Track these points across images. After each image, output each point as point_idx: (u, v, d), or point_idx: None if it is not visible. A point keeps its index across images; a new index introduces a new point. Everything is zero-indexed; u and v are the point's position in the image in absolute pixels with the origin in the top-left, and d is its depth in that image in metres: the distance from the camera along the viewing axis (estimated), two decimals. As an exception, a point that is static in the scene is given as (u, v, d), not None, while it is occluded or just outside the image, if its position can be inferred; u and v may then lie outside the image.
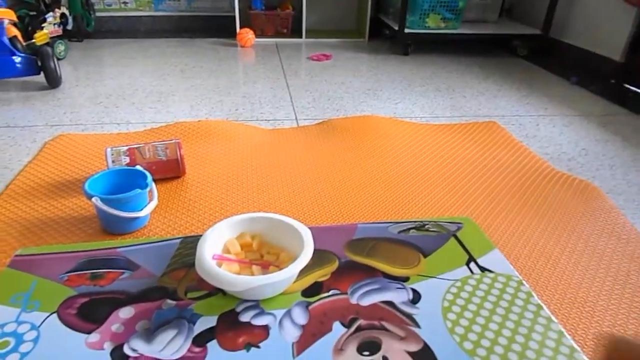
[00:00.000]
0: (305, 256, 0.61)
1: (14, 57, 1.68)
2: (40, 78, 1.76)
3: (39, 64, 1.71)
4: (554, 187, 1.14)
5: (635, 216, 1.05)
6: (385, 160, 1.25)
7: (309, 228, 0.67)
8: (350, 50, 2.48)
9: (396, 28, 2.32)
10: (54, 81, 1.75)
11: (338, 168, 1.20)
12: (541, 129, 1.53)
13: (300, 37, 2.62)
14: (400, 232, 0.75)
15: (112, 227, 0.91)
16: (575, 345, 0.56)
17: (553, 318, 0.60)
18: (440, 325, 0.57)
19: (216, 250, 0.65)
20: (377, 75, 2.06)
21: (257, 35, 2.54)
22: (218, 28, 2.70)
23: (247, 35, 2.42)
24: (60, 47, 2.11)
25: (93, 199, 0.88)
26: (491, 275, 0.66)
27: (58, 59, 2.05)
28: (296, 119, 1.55)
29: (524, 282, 0.66)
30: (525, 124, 1.56)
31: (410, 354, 0.53)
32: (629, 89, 1.92)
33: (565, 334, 0.57)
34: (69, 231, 0.92)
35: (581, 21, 2.18)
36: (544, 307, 0.61)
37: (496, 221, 0.98)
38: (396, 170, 1.20)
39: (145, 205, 0.93)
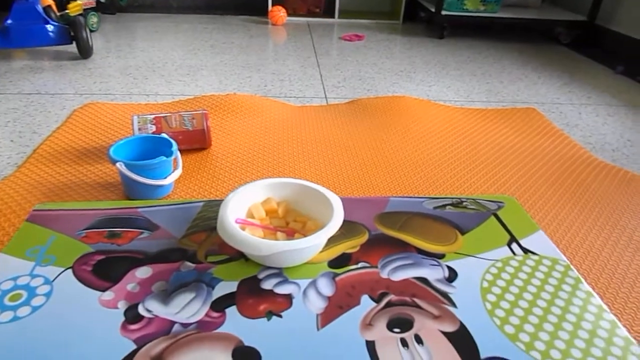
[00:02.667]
0: (335, 224, 0.56)
1: (47, 26, 1.69)
2: (72, 48, 1.77)
3: (72, 34, 1.71)
4: (597, 177, 1.07)
5: (686, 210, 0.97)
6: (417, 141, 1.20)
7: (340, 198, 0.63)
8: (384, 32, 2.41)
9: (432, 10, 2.24)
10: (85, 51, 1.74)
11: (367, 146, 1.16)
12: (583, 117, 1.45)
13: (333, 17, 2.56)
14: (435, 207, 0.70)
15: (135, 194, 0.89)
16: (630, 337, 0.50)
17: (605, 307, 0.54)
18: (478, 307, 0.52)
19: (240, 215, 0.61)
20: (411, 57, 1.99)
21: (289, 14, 2.49)
22: (250, 5, 2.66)
23: (279, 13, 2.38)
24: (93, 19, 2.11)
25: (117, 164, 0.86)
26: (535, 257, 0.61)
27: (90, 31, 2.05)
28: (325, 97, 1.50)
29: (572, 267, 0.60)
30: (567, 112, 1.48)
31: (445, 334, 0.49)
32: (679, 80, 1.80)
33: (620, 324, 0.52)
34: (92, 196, 0.90)
35: (631, 8, 2.06)
36: (595, 295, 0.56)
37: (534, 208, 0.93)
38: (428, 151, 1.15)
39: (170, 174, 0.91)
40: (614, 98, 1.62)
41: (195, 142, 1.10)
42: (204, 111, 1.11)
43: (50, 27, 1.69)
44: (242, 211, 0.62)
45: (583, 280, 0.58)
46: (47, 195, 0.89)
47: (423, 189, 0.96)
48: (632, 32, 2.06)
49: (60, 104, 1.37)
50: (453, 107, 1.45)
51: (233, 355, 0.46)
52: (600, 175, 1.08)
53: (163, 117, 1.09)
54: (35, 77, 1.55)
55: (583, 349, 0.48)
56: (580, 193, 1.00)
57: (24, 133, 1.17)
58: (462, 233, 0.65)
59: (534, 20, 2.26)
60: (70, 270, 0.55)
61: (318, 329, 0.49)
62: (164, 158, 0.89)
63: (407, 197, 0.72)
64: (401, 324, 0.50)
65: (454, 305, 0.53)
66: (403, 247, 0.62)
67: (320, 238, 0.54)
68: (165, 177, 0.90)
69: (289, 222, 0.63)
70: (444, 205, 0.70)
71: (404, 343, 0.48)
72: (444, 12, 2.22)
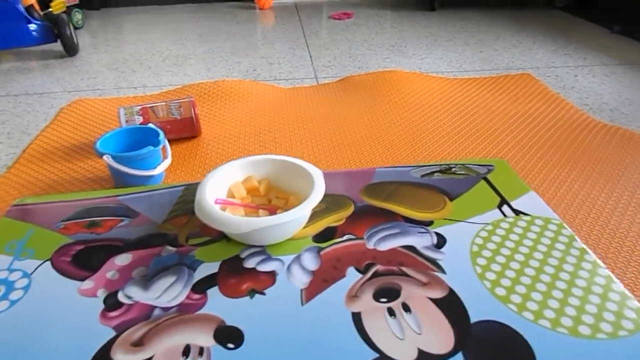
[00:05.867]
0: (316, 196, 0.55)
1: (29, 26, 1.67)
2: (59, 46, 1.75)
3: (56, 32, 1.69)
4: (595, 138, 1.05)
5: (688, 164, 0.94)
6: (410, 114, 1.17)
7: (323, 172, 0.61)
8: (374, 8, 2.36)
9: (422, -18, 2.19)
10: (71, 49, 1.73)
11: (359, 122, 1.14)
12: (580, 79, 1.42)
13: (321, -3, 2.51)
14: (423, 175, 0.68)
15: (125, 186, 0.88)
16: (627, 292, 0.48)
17: (600, 263, 0.52)
18: (468, 271, 0.51)
19: (220, 195, 0.60)
20: (402, 31, 1.95)
21: (276, -3, 2.45)
22: (236, -9, 2.61)
23: (265, -4, 2.34)
24: (77, 16, 2.09)
25: (104, 157, 0.85)
26: (527, 218, 0.59)
27: (76, 28, 2.03)
28: (316, 77, 1.48)
29: (565, 225, 0.58)
30: (563, 76, 1.45)
31: (433, 300, 0.47)
32: (678, 35, 1.76)
33: (615, 279, 0.50)
34: (83, 191, 0.89)
35: (625, -35, 2.00)
36: (589, 251, 0.54)
37: (532, 172, 0.90)
38: (422, 123, 1.12)
39: (159, 164, 0.89)
40: (611, 57, 1.58)
41: (185, 130, 1.09)
42: (191, 99, 1.10)
43: (33, 27, 1.67)
44: (222, 191, 0.61)
45: (577, 238, 0.56)
46: (38, 193, 0.89)
47: (416, 159, 0.94)
48: (627, -11, 2.01)
49: (48, 102, 1.36)
50: (446, 78, 1.42)
51: (215, 336, 0.44)
52: (598, 136, 1.05)
53: (150, 107, 1.07)
54: (23, 77, 1.54)
55: (577, 307, 0.47)
56: (578, 155, 0.98)
57: (13, 134, 1.16)
58: (451, 199, 0.63)
59: (526, -15, 2.20)
60: (48, 263, 0.54)
61: (302, 304, 0.48)
62: (152, 148, 0.88)
63: (394, 167, 0.70)
64: (388, 294, 0.48)
65: (442, 271, 0.51)
66: (390, 217, 0.60)
67: (300, 212, 0.53)
68: (155, 167, 0.88)
69: (271, 199, 0.61)
70: (432, 173, 0.68)
71: (391, 312, 0.46)
72: (433, -17, 2.17)
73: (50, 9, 1.84)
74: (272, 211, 0.58)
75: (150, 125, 0.99)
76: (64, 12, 1.88)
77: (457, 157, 0.96)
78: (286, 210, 0.55)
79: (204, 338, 0.44)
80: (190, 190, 0.67)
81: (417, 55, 1.66)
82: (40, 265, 0.53)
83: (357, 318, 0.46)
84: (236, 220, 0.52)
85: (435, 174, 0.68)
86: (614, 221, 0.76)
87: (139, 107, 1.07)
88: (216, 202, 0.58)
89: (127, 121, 1.04)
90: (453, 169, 0.69)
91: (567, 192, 0.84)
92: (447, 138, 1.05)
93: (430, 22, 2.09)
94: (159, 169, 0.88)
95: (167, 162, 0.90)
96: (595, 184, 0.87)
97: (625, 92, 1.32)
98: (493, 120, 1.13)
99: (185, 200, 0.64)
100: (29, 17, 1.66)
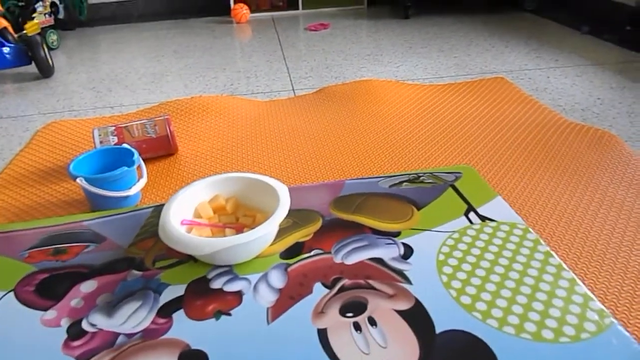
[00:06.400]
0: (281, 212, 0.55)
1: (3, 49, 1.66)
2: (34, 68, 1.74)
3: (30, 54, 1.68)
4: (567, 138, 1.06)
5: (656, 161, 0.96)
6: (384, 123, 1.18)
7: (291, 187, 0.61)
8: (350, 18, 2.39)
9: (395, -9, 2.21)
10: (45, 70, 1.72)
11: (334, 133, 1.14)
12: (552, 81, 1.44)
13: (297, 8, 2.53)
14: (391, 186, 0.68)
15: (101, 208, 0.87)
16: (590, 294, 0.49)
17: (564, 265, 0.53)
18: (434, 281, 0.51)
19: (187, 216, 0.59)
20: (377, 40, 1.97)
21: (252, 10, 2.46)
22: (212, 7, 2.62)
23: (241, 10, 2.35)
24: (52, 37, 2.08)
25: (77, 180, 0.84)
26: (493, 224, 0.59)
27: (51, 49, 2.02)
28: (293, 89, 1.49)
29: (530, 229, 0.58)
30: (535, 78, 1.47)
31: (399, 312, 0.47)
32: (646, 34, 1.79)
33: (579, 281, 0.50)
34: (59, 215, 0.88)
35: (592, -34, 2.04)
36: (554, 254, 0.54)
37: (505, 178, 0.91)
38: (396, 132, 1.13)
39: (134, 184, 0.89)
40: (582, 58, 1.61)
41: (160, 148, 1.08)
42: (166, 116, 1.09)
43: (6, 50, 1.66)
44: (189, 212, 0.60)
45: (542, 241, 0.57)
46: (12, 219, 0.88)
47: (388, 170, 0.95)
48: (595, -10, 2.05)
49: (22, 126, 1.35)
50: (421, 84, 1.43)
51: (179, 360, 0.44)
52: (570, 137, 1.07)
53: (124, 127, 1.07)
54: (-3, 101, 1.53)
55: (541, 311, 0.47)
56: (550, 158, 0.99)
57: (-15, 159, 1.15)
58: (419, 208, 0.63)
59: (497, -10, 2.24)
60: (11, 293, 0.53)
61: (268, 323, 0.47)
62: (126, 168, 0.88)
63: (362, 178, 0.71)
64: (354, 308, 0.48)
65: (409, 282, 0.51)
66: (358, 230, 0.60)
67: (265, 229, 0.53)
68: (130, 187, 0.87)
69: (239, 217, 0.61)
70: (400, 183, 0.69)
71: (357, 327, 0.46)
72: (406, -9, 2.19)
73: (24, 31, 1.83)
74: (239, 229, 0.58)
75: (125, 145, 0.98)
76: (38, 33, 1.87)
77: (429, 165, 0.96)
78: (253, 228, 0.55)
79: (168, 363, 0.44)
80: (158, 212, 0.66)
81: (393, 63, 1.68)
82: (3, 296, 0.52)
83: (322, 334, 0.46)
84: (199, 242, 0.51)
85: (404, 184, 0.68)
86: (585, 223, 0.77)
87: (113, 127, 1.07)
88: (182, 223, 0.57)
89: (101, 142, 1.04)
90: (421, 178, 0.69)
91: (539, 196, 0.85)
92: (420, 146, 1.06)
93: (405, 30, 2.11)
94: (135, 189, 0.88)
95: (142, 182, 0.90)
96: (567, 187, 0.88)
97: (596, 92, 1.34)
98: (467, 126, 1.14)
99: (153, 222, 0.64)
100: (2, 39, 1.66)
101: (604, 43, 1.75)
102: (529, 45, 1.79)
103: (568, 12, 2.14)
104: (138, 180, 0.90)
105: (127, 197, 0.87)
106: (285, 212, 0.55)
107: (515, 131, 1.11)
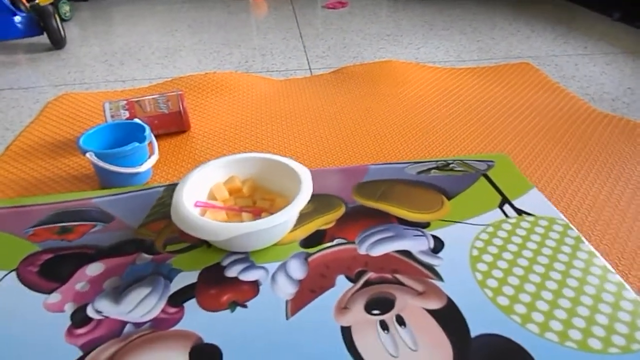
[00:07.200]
0: (302, 198, 0.51)
1: (15, 17, 1.62)
2: (46, 39, 1.70)
3: (41, 24, 1.64)
4: (597, 129, 1.01)
5: (694, 156, 0.91)
6: (405, 106, 1.13)
7: (311, 170, 0.57)
8: (369, -3, 2.31)
9: (418, -31, 2.13)
10: (57, 41, 1.68)
11: (353, 115, 1.09)
12: (580, 68, 1.37)
13: (315, -14, 2.45)
14: (419, 172, 0.64)
15: (110, 184, 0.84)
16: None
17: (610, 268, 0.48)
18: (468, 278, 0.47)
19: (200, 197, 0.56)
20: (397, 20, 1.90)
21: (270, -13, 2.39)
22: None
23: (258, -14, 2.28)
24: (64, 8, 2.03)
25: (87, 154, 0.81)
26: (530, 218, 0.55)
27: (63, 20, 1.98)
28: (310, 68, 1.43)
29: (572, 226, 0.54)
30: (562, 65, 1.41)
31: (430, 312, 0.43)
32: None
33: (627, 285, 0.46)
34: (67, 189, 0.86)
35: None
36: (598, 255, 0.50)
37: (532, 166, 0.86)
38: (418, 116, 1.08)
39: (145, 160, 0.85)
40: (612, 46, 1.54)
41: (173, 125, 1.05)
42: (179, 92, 1.05)
43: (18, 19, 1.62)
44: (203, 193, 0.56)
45: (584, 240, 0.52)
46: (21, 192, 0.85)
47: (412, 155, 0.90)
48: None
49: (33, 97, 1.32)
50: (443, 67, 1.38)
51: (190, 355, 0.41)
52: (600, 127, 1.02)
53: (136, 101, 1.03)
54: (8, 71, 1.49)
55: (587, 317, 0.43)
56: (580, 146, 0.94)
57: (-5, 130, 1.12)
58: (449, 198, 0.59)
59: (524, -29, 2.14)
60: (14, 273, 0.50)
61: (287, 318, 0.44)
62: (137, 144, 0.84)
63: (387, 163, 0.66)
64: (381, 305, 0.44)
65: (440, 278, 0.47)
66: (383, 219, 0.56)
67: (285, 216, 0.49)
68: (141, 164, 0.84)
69: (256, 200, 0.57)
70: (429, 169, 0.64)
71: (384, 326, 0.42)
72: (429, -29, 2.11)
73: (36, 1, 1.78)
74: (257, 214, 0.54)
75: (137, 120, 0.95)
76: (51, 3, 1.83)
77: (454, 151, 0.91)
78: (272, 213, 0.51)
79: (178, 358, 0.40)
80: (171, 192, 0.63)
81: (413, 44, 1.62)
82: (5, 276, 0.49)
83: (346, 333, 0.42)
84: (216, 227, 0.48)
85: (432, 171, 0.64)
86: (616, 218, 0.72)
87: (125, 102, 1.03)
88: (196, 205, 0.54)
89: (112, 116, 1.00)
90: (451, 165, 0.65)
91: (567, 187, 0.81)
92: (443, 131, 1.01)
93: (426, 10, 2.04)
94: (145, 166, 0.85)
95: (153, 159, 0.87)
96: (596, 178, 0.83)
97: (626, 81, 1.28)
98: (492, 111, 1.09)
99: (165, 202, 0.60)
100: (14, 8, 1.62)
101: (636, 30, 1.67)
102: (556, 30, 1.71)
103: (598, -3, 2.05)
104: (149, 157, 0.87)
105: (137, 173, 0.84)
106: (308, 197, 0.51)
107: (542, 119, 1.06)
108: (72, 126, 1.11)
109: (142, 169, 0.84)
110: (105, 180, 0.84)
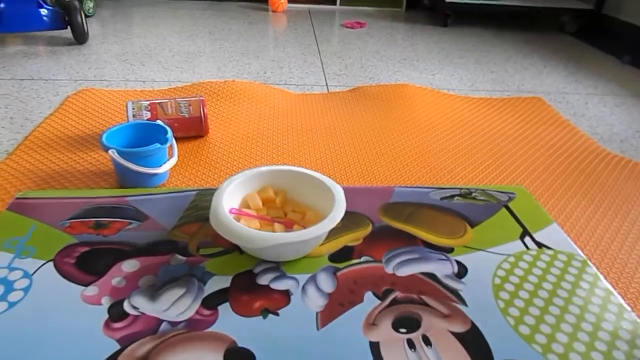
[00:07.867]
0: (336, 215, 0.52)
1: (41, 10, 1.64)
2: (68, 33, 1.72)
3: (66, 18, 1.66)
4: (606, 169, 1.03)
5: (701, 203, 0.93)
6: (421, 130, 1.16)
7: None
8: (386, 20, 2.35)
9: (436, -3, 2.18)
10: (80, 36, 1.70)
11: (370, 135, 1.12)
12: (590, 107, 1.41)
13: (334, 4, 2.50)
14: (443, 198, 0.66)
15: (128, 182, 0.86)
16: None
17: (626, 306, 0.50)
18: (491, 305, 0.49)
19: (234, 204, 0.57)
20: (414, 45, 1.94)
21: (290, 1, 2.44)
22: (249, -8, 2.60)
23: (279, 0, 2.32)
24: (89, 4, 2.06)
25: (110, 151, 0.82)
26: (550, 252, 0.57)
27: (87, 16, 2.01)
28: (327, 85, 1.46)
29: (590, 262, 0.56)
30: (573, 102, 1.44)
31: (455, 335, 0.45)
32: (689, 70, 1.75)
33: (642, 324, 0.48)
34: (84, 184, 0.87)
35: (640, -4, 2.01)
36: (615, 293, 0.52)
37: (542, 199, 0.89)
38: (432, 140, 1.11)
39: (165, 162, 0.87)
40: (622, 88, 1.58)
41: (192, 129, 1.06)
42: (201, 98, 1.07)
43: (44, 12, 1.64)
44: (236, 201, 0.58)
45: (601, 277, 0.54)
46: (38, 183, 0.86)
47: (428, 179, 0.92)
48: (637, 20, 2.01)
49: (53, 90, 1.33)
50: (457, 95, 1.41)
51: (225, 357, 0.42)
52: (609, 167, 1.04)
53: (158, 103, 1.05)
54: (29, 62, 1.51)
55: (604, 352, 0.45)
56: (589, 184, 0.96)
57: (15, 119, 1.13)
58: (472, 226, 0.61)
59: (539, 9, 2.20)
60: (51, 263, 0.51)
61: (318, 329, 0.45)
62: (159, 145, 0.86)
63: (413, 187, 0.68)
64: (408, 324, 0.46)
65: (464, 303, 0.49)
66: (409, 240, 0.58)
67: (320, 230, 0.50)
68: (160, 166, 0.86)
69: (287, 212, 0.59)
70: (452, 196, 0.66)
71: (411, 344, 0.44)
72: (447, 0, 2.16)
73: (62, -5, 1.81)
74: (289, 226, 0.56)
75: (159, 122, 0.96)
76: (76, -1, 1.85)
77: (467, 179, 0.94)
78: (303, 226, 0.53)
79: (213, 359, 0.42)
80: (203, 196, 0.64)
81: (429, 70, 1.65)
82: (42, 265, 0.51)
83: (375, 348, 0.44)
84: (253, 235, 0.49)
85: (455, 198, 0.66)
86: (621, 257, 0.74)
87: (148, 103, 1.05)
88: (230, 212, 0.55)
89: (134, 115, 1.02)
90: (473, 194, 0.67)
91: (574, 223, 0.83)
92: (458, 158, 1.03)
93: (443, 38, 2.08)
94: (164, 168, 0.86)
95: (173, 161, 0.88)
96: (603, 217, 0.85)
97: (635, 124, 1.31)
98: (504, 142, 1.12)
99: (197, 206, 0.62)
100: (40, 1, 1.64)
101: (645, 75, 1.72)
102: (568, 68, 1.75)
103: (610, 38, 2.11)
104: (168, 158, 0.88)
105: (155, 174, 0.86)
106: (342, 215, 0.53)
107: (554, 154, 1.09)
108: (90, 122, 1.12)
109: (160, 170, 0.85)
110: (124, 178, 0.85)
